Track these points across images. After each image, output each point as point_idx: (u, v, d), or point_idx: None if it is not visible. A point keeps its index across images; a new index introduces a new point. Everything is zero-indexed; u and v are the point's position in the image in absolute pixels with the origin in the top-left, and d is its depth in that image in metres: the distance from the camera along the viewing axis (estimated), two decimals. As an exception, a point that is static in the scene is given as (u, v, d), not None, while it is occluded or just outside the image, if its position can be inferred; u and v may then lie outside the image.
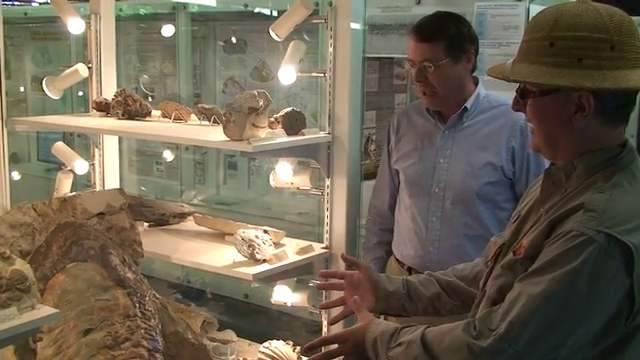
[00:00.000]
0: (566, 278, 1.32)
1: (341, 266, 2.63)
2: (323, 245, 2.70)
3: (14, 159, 5.91)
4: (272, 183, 2.85)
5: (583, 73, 1.38)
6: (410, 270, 2.48)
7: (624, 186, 1.41)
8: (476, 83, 2.43)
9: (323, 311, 2.69)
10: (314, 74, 2.77)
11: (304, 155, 2.65)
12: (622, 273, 1.32)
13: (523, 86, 1.50)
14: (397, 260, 2.56)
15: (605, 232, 1.32)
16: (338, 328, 2.64)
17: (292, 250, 2.63)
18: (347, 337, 1.68)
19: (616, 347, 1.39)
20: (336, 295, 2.03)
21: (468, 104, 2.39)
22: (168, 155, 5.02)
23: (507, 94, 2.46)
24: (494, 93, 2.47)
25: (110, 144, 3.30)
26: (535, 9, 2.88)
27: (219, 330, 2.97)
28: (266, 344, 2.73)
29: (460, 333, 1.45)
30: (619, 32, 1.38)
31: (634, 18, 1.48)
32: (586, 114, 1.42)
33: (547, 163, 1.62)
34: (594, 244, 1.31)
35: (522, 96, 1.51)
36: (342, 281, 1.94)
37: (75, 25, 3.16)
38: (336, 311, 1.98)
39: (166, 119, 2.96)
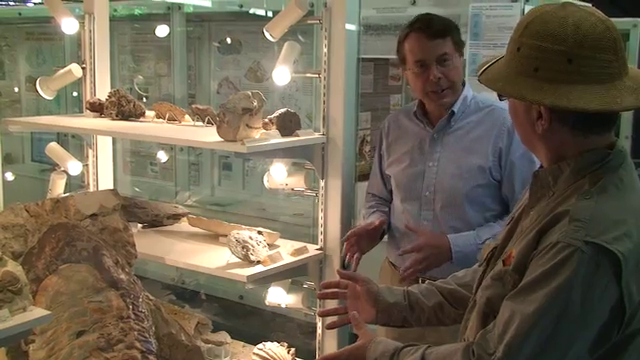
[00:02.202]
0: (558, 293, 1.30)
1: (335, 267, 2.63)
2: (317, 246, 2.69)
3: (8, 160, 5.89)
4: (266, 184, 2.84)
5: (535, 84, 1.36)
6: (404, 272, 2.48)
7: (611, 191, 1.39)
8: (463, 84, 2.43)
9: (317, 313, 2.68)
10: (309, 75, 2.76)
11: (298, 156, 2.65)
12: (612, 282, 1.30)
13: None
14: (391, 264, 2.55)
15: (593, 242, 1.30)
16: (333, 333, 2.65)
17: (286, 251, 2.62)
18: (347, 356, 1.66)
19: (610, 356, 1.37)
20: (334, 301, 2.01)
21: (455, 107, 2.38)
22: (162, 156, 5.02)
23: (495, 95, 2.47)
24: (482, 95, 2.46)
25: (104, 145, 3.29)
26: (530, 10, 2.89)
27: (213, 332, 2.96)
28: (260, 345, 2.72)
29: (460, 359, 1.43)
30: (580, 45, 1.34)
31: (630, 20, 1.46)
32: (543, 123, 1.41)
33: (535, 166, 1.61)
34: (583, 255, 1.29)
35: (499, 94, 1.51)
36: (345, 290, 1.90)
37: (69, 25, 3.15)
38: (332, 320, 1.95)
39: (160, 120, 2.95)
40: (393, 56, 2.52)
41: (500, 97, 1.52)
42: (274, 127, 2.54)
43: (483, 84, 1.48)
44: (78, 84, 3.38)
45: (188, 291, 4.78)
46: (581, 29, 1.35)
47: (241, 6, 4.43)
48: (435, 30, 2.32)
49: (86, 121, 3.00)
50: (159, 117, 2.97)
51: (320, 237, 2.68)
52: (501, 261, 1.49)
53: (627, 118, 4.39)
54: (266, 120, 2.56)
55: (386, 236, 2.57)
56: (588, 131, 1.42)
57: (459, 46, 2.36)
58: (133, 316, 2.18)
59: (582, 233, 1.31)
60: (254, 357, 2.68)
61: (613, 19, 1.42)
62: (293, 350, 2.75)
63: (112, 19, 3.37)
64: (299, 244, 2.70)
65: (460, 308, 1.77)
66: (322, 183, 2.65)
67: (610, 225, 1.33)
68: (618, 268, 1.30)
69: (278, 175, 2.76)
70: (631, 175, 1.45)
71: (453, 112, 2.38)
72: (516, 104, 1.48)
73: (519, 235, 1.50)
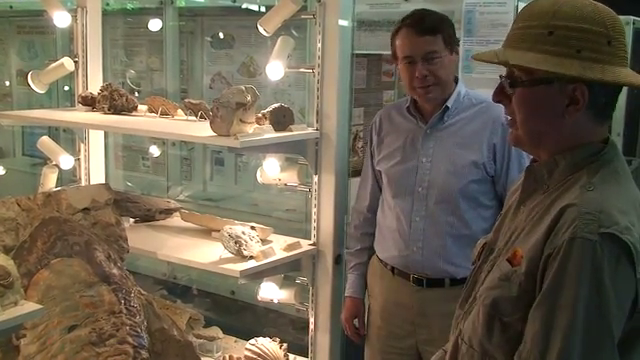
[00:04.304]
0: (587, 290, 1.27)
1: (328, 262, 2.63)
2: (310, 242, 2.69)
3: (-1, 154, 5.88)
4: (259, 179, 2.84)
5: (583, 64, 1.36)
6: (393, 270, 2.47)
7: (610, 182, 1.39)
8: (456, 81, 2.43)
9: (310, 309, 2.68)
10: (302, 70, 2.76)
11: (292, 151, 2.64)
12: (630, 269, 1.29)
13: (512, 74, 1.46)
14: (380, 260, 2.55)
15: (607, 232, 1.29)
16: (325, 328, 2.64)
17: (279, 247, 2.62)
18: None
19: (624, 347, 1.34)
20: None
21: (449, 103, 2.38)
22: (154, 150, 4.99)
23: (488, 91, 2.47)
24: (474, 91, 2.47)
25: (96, 139, 3.28)
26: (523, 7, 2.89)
27: (205, 327, 2.96)
28: (252, 341, 2.72)
29: None
30: (614, 28, 1.38)
31: (623, 18, 1.48)
32: (579, 107, 1.40)
33: (529, 161, 1.60)
34: (601, 248, 1.28)
35: (512, 85, 1.46)
36: None
37: (61, 19, 3.13)
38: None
39: (152, 114, 2.94)
40: (386, 52, 2.52)
41: (512, 84, 1.45)
42: (267, 122, 2.53)
43: (522, 66, 1.42)
44: (70, 78, 3.37)
45: (180, 286, 4.76)
46: (610, 15, 1.40)
47: (234, 1, 4.42)
48: (425, 27, 2.31)
49: (78, 115, 2.99)
50: (151, 111, 2.96)
51: (313, 232, 2.68)
52: (506, 261, 1.44)
53: (619, 116, 4.41)
54: (259, 115, 2.56)
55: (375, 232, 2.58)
56: (603, 119, 1.45)
57: (451, 44, 2.35)
58: (125, 311, 2.18)
59: (596, 225, 1.29)
60: (246, 352, 2.68)
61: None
62: (285, 345, 2.76)
63: (104, 13, 3.35)
64: (292, 239, 2.70)
65: None
66: (315, 178, 2.65)
67: (619, 215, 1.32)
68: (631, 257, 1.29)
69: (271, 170, 2.75)
70: (624, 168, 1.45)
71: (447, 107, 2.38)
72: (540, 93, 1.43)
73: (514, 231, 1.48)
